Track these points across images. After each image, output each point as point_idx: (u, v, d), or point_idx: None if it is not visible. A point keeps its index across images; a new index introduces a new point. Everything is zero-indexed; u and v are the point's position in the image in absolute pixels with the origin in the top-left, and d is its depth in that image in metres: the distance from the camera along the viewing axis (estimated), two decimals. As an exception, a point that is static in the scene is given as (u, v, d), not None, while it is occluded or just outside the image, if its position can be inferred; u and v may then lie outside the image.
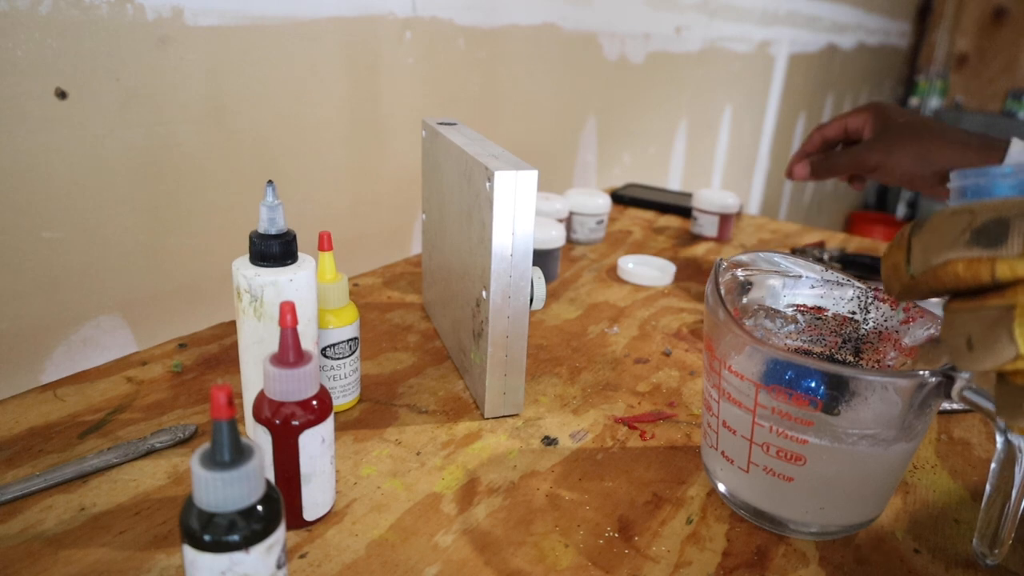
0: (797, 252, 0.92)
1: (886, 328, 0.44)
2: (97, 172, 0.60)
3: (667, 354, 0.63)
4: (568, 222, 0.90)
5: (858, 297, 0.45)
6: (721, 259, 0.44)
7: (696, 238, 0.98)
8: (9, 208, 0.55)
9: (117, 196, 0.62)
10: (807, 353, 0.47)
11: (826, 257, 0.89)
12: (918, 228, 0.33)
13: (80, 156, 0.58)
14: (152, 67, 0.61)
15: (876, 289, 0.45)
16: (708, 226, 0.97)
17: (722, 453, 0.42)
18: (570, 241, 0.92)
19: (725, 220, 0.97)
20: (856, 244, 1.01)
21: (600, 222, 0.91)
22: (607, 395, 0.56)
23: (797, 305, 0.47)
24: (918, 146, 0.66)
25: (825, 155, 0.72)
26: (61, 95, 0.56)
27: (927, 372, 0.35)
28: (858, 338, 0.45)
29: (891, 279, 0.35)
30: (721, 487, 0.43)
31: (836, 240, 1.01)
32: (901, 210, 3.43)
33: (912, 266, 0.33)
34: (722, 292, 0.41)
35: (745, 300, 0.47)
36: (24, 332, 0.59)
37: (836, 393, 0.37)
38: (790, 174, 0.73)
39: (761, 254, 0.47)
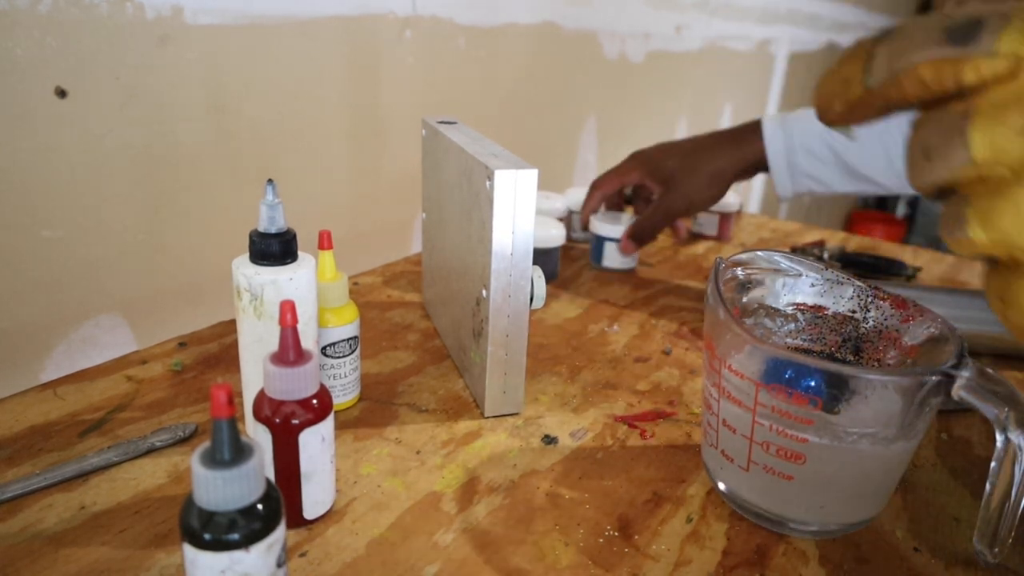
0: (797, 251, 0.92)
1: (886, 327, 0.44)
2: (97, 171, 0.60)
3: (667, 353, 0.63)
4: (568, 221, 0.90)
5: (858, 296, 0.45)
6: (721, 258, 0.44)
7: (696, 237, 0.98)
8: (9, 207, 0.55)
9: (117, 195, 0.62)
10: (807, 352, 0.47)
11: (826, 256, 0.89)
12: (887, 35, 0.30)
13: (80, 155, 0.58)
14: (152, 66, 0.61)
15: (876, 288, 0.45)
16: (708, 225, 0.97)
17: (722, 452, 0.42)
18: (570, 240, 0.92)
19: (725, 219, 0.97)
20: (856, 243, 1.01)
21: (600, 221, 0.91)
22: (607, 394, 0.56)
23: (797, 304, 0.47)
24: (699, 169, 0.79)
25: (639, 225, 0.79)
26: (61, 94, 0.56)
27: (927, 371, 0.35)
28: (858, 337, 0.45)
29: (834, 96, 0.31)
30: (721, 486, 0.43)
31: (836, 239, 1.01)
32: (901, 209, 3.42)
33: (872, 76, 0.30)
34: (722, 291, 0.41)
35: (745, 299, 0.47)
36: (24, 331, 0.59)
37: (836, 392, 0.37)
38: (625, 249, 0.80)
39: (761, 253, 0.47)
